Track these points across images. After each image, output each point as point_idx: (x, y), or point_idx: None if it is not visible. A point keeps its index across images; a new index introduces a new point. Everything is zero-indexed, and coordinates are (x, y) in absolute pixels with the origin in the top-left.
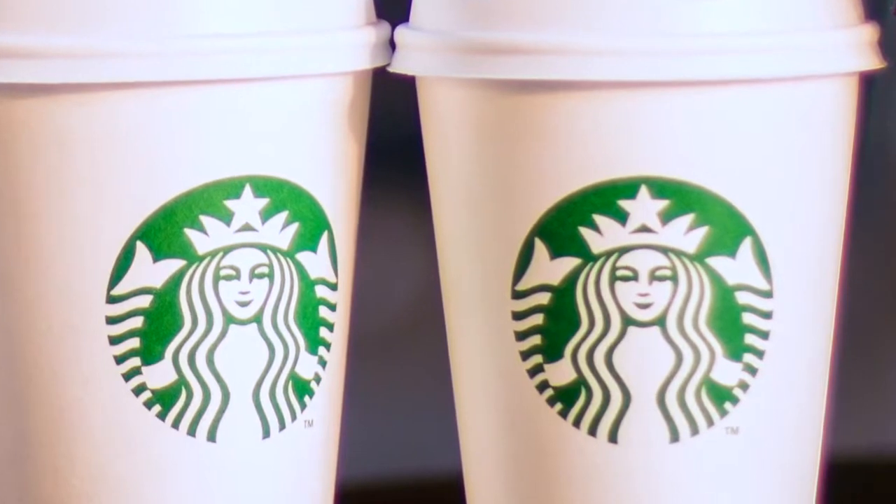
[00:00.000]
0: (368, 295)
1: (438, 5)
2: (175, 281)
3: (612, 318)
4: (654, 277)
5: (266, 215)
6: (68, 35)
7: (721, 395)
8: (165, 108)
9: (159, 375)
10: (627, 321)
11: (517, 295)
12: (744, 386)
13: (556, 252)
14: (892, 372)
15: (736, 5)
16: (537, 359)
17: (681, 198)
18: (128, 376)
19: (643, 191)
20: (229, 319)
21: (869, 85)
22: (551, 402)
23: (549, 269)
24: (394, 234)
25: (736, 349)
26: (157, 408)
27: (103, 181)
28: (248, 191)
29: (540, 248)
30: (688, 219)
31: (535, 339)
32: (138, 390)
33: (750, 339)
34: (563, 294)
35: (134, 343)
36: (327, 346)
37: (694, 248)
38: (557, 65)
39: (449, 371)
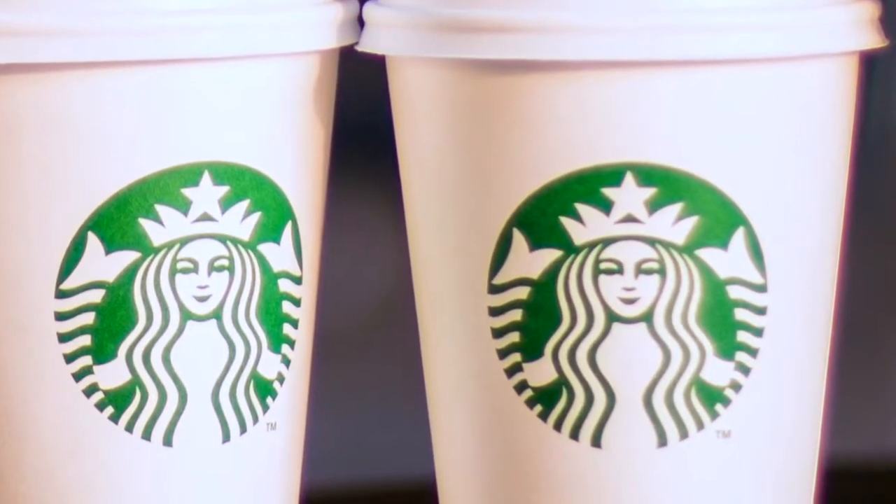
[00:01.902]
0: (335, 289)
1: None
2: (129, 274)
3: (595, 314)
4: (640, 270)
5: (226, 204)
6: (14, 12)
7: (712, 397)
8: (118, 90)
9: (112, 375)
10: (612, 317)
11: (494, 289)
12: (736, 386)
13: (536, 244)
14: (895, 371)
15: None
16: (515, 357)
17: (669, 186)
18: (78, 376)
19: (629, 178)
20: (186, 315)
21: (870, 65)
22: (530, 403)
23: (529, 261)
24: (362, 224)
25: (728, 347)
26: (109, 410)
27: (52, 167)
28: (206, 178)
29: (518, 239)
30: (676, 208)
31: (514, 337)
32: (89, 391)
33: (743, 336)
34: (544, 288)
35: (85, 341)
36: (291, 343)
37: (683, 240)
38: (537, 44)
39: (421, 371)
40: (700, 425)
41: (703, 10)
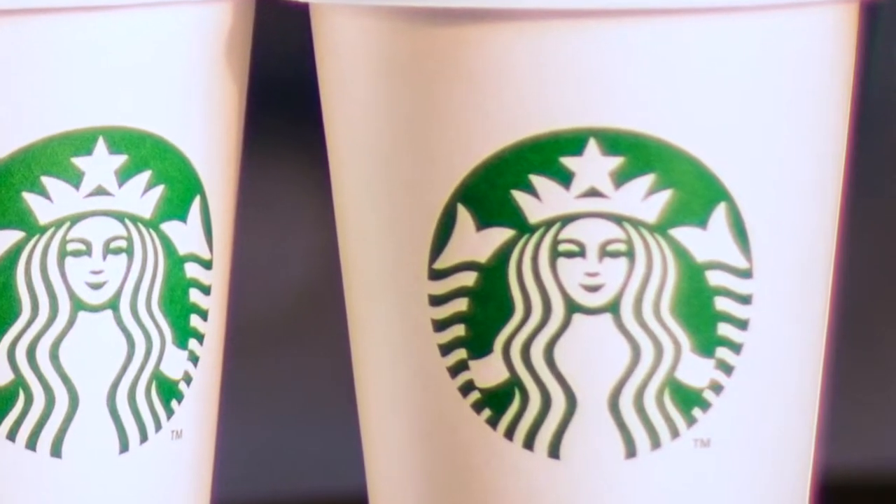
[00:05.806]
0: (251, 275)
1: None
2: (11, 257)
3: (552, 304)
4: (605, 253)
5: (124, 176)
6: None
7: (689, 400)
8: None
9: None
10: (572, 307)
11: (435, 275)
12: (716, 388)
13: (484, 222)
14: None
15: None
16: (460, 354)
17: (638, 154)
18: None
19: (592, 146)
20: (78, 305)
21: (871, 16)
22: (478, 407)
23: (476, 242)
24: (283, 199)
25: (707, 342)
26: None
27: None
28: (101, 146)
29: (463, 216)
30: (647, 180)
31: (458, 330)
32: None
33: (724, 329)
34: (493, 273)
35: None
36: (200, 338)
37: (655, 217)
38: None
39: (351, 370)
40: (675, 433)
41: None
